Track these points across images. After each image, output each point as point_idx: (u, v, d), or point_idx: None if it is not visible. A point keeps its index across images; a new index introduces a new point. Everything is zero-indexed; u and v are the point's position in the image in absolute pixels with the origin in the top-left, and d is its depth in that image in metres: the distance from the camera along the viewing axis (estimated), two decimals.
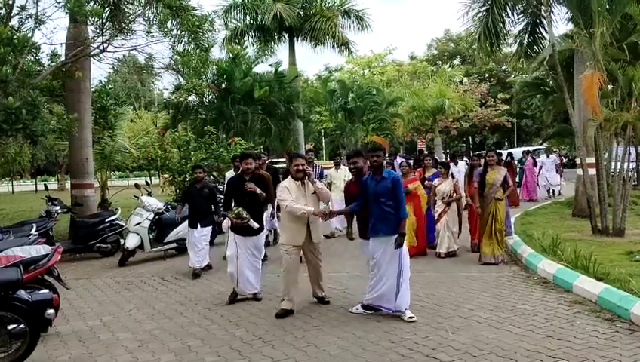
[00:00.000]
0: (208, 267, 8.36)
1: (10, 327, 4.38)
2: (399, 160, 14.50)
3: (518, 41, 13.61)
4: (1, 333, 4.32)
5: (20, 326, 4.41)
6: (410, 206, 8.32)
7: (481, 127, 41.13)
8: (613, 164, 10.97)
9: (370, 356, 4.55)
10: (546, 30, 12.80)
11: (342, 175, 10.84)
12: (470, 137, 47.68)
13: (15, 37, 8.99)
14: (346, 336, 5.05)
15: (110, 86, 16.69)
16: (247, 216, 6.29)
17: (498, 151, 12.71)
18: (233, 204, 6.49)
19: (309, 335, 5.12)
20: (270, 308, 6.08)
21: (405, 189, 7.56)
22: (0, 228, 7.69)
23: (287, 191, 5.89)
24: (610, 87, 10.61)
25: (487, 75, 44.71)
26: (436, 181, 9.27)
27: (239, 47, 20.41)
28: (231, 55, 18.78)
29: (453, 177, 9.46)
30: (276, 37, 21.55)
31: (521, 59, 14.85)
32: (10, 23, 9.91)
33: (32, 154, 21.20)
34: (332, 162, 14.40)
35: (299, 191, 5.89)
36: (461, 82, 39.48)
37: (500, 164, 9.07)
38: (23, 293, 4.48)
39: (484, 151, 9.14)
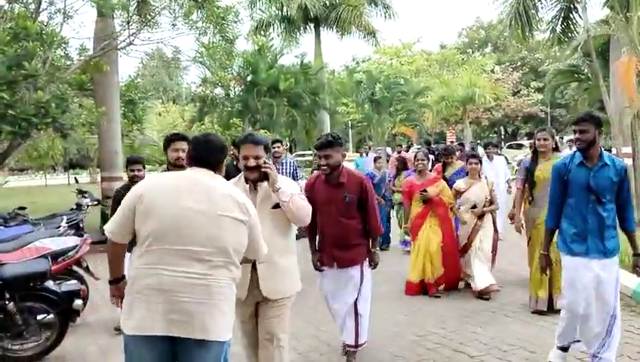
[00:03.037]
0: None
1: (39, 317, 4.48)
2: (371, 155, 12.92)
3: (551, 27, 13.20)
4: (31, 323, 4.40)
5: (50, 317, 4.50)
6: (433, 218, 6.07)
7: (513, 116, 40.24)
8: None
9: (395, 349, 4.47)
10: (580, 15, 12.39)
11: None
12: (502, 127, 46.75)
13: (44, 32, 9.14)
14: (370, 329, 4.96)
15: (138, 80, 16.87)
16: None
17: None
18: None
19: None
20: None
21: (423, 195, 6.03)
22: (31, 220, 7.83)
23: None
24: None
25: (519, 64, 43.62)
26: (461, 184, 6.23)
27: (264, 38, 20.38)
28: (256, 47, 18.77)
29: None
30: (301, 28, 21.44)
31: (555, 46, 14.41)
32: (39, 18, 10.08)
33: (64, 148, 21.69)
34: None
35: None
36: (492, 71, 38.64)
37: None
38: (51, 284, 4.55)
39: (539, 131, 5.46)
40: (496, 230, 6.33)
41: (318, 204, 3.86)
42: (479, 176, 6.24)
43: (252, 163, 3.12)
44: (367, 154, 14.69)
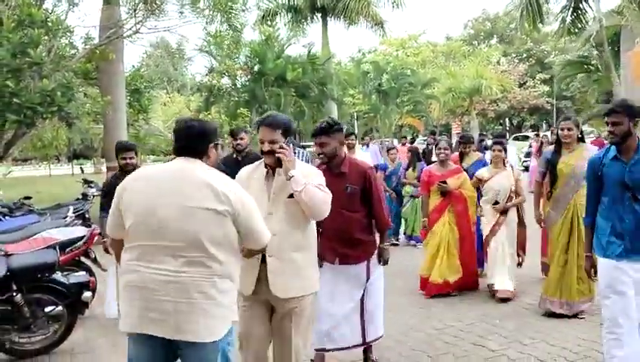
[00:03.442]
0: None
1: (47, 310, 4.36)
2: (372, 146, 12.60)
3: (561, 17, 13.01)
4: (39, 316, 4.28)
5: (58, 309, 4.38)
6: (450, 214, 5.63)
7: (519, 108, 39.97)
8: None
9: (414, 343, 4.35)
10: (590, 6, 12.19)
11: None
12: (507, 119, 46.49)
13: (49, 19, 9.00)
14: (386, 323, 4.83)
15: (144, 70, 16.71)
16: None
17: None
18: None
19: None
20: None
21: (441, 187, 5.60)
22: (37, 210, 7.74)
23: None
24: None
25: (525, 55, 43.31)
26: (484, 172, 5.71)
27: (271, 29, 20.16)
28: (263, 36, 18.57)
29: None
30: (308, 17, 21.20)
31: (564, 37, 14.22)
32: (43, 6, 9.92)
33: (68, 138, 21.59)
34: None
35: (260, 192, 2.96)
36: (498, 62, 38.36)
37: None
38: (59, 276, 4.43)
39: (562, 120, 4.94)
40: (523, 224, 5.74)
41: None
42: (504, 163, 5.68)
43: (266, 147, 2.90)
44: (368, 146, 13.88)
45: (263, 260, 2.87)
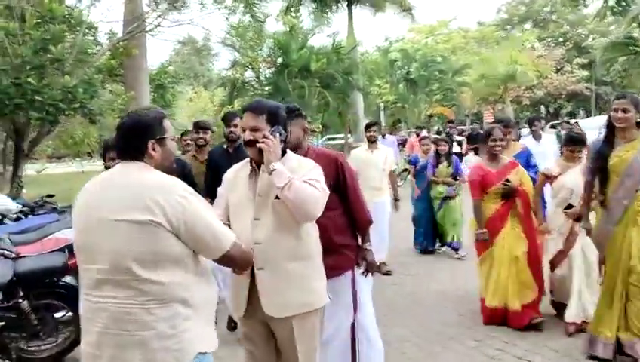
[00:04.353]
0: None
1: (57, 316, 4.16)
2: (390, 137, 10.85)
3: None
4: (48, 322, 4.08)
5: (68, 315, 4.17)
6: (514, 219, 4.52)
7: (556, 95, 38.62)
8: None
9: (451, 356, 3.98)
10: None
11: (378, 159, 6.17)
12: (543, 106, 45.06)
13: (70, 15, 8.89)
14: (422, 331, 4.48)
15: (171, 67, 16.63)
16: None
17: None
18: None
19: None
20: None
21: (506, 187, 4.46)
22: (58, 208, 7.59)
23: (225, 190, 2.70)
24: None
25: (561, 40, 41.83)
26: (554, 168, 4.52)
27: (295, 20, 19.83)
28: (287, 27, 18.27)
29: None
30: (333, 6, 20.78)
31: (607, 18, 13.43)
32: (66, 2, 9.83)
33: (100, 135, 21.81)
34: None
35: (245, 194, 2.57)
36: (533, 47, 37.12)
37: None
38: (69, 280, 4.22)
39: (617, 98, 3.71)
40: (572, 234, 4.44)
41: None
42: (579, 156, 4.41)
43: (247, 136, 2.44)
44: (383, 136, 12.31)
45: (252, 276, 2.43)
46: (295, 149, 2.84)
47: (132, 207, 1.91)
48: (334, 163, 2.99)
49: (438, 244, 7.27)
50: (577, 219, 4.20)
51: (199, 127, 5.13)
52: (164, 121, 2.11)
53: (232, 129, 4.45)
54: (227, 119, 4.60)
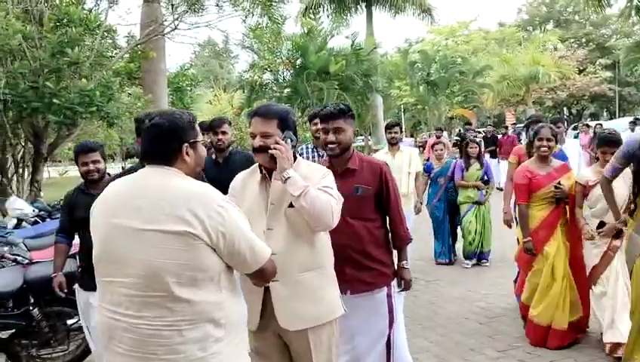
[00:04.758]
0: None
1: (69, 323, 4.09)
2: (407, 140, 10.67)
3: None
4: (59, 330, 4.02)
5: (80, 322, 4.08)
6: (562, 229, 4.11)
7: (579, 96, 37.93)
8: None
9: None
10: None
11: (402, 161, 5.81)
12: (566, 108, 44.32)
13: (87, 17, 8.91)
14: (442, 342, 4.30)
15: (191, 70, 16.69)
16: None
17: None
18: None
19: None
20: None
21: (558, 192, 4.04)
22: None
23: (234, 200, 2.35)
24: None
25: (584, 40, 41.09)
26: (588, 174, 4.06)
27: (314, 22, 19.77)
28: (305, 29, 18.20)
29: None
30: (352, 7, 20.66)
31: (632, 17, 13.07)
32: (83, 5, 9.88)
33: (121, 138, 21.99)
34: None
35: (256, 202, 2.46)
36: (555, 48, 36.52)
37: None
38: None
39: None
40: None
41: None
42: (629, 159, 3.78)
43: (258, 142, 2.34)
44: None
45: (266, 286, 2.31)
46: (345, 151, 2.78)
47: (166, 216, 1.76)
48: (379, 171, 2.87)
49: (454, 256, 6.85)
50: (618, 233, 3.79)
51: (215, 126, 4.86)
52: (196, 124, 2.00)
53: (220, 137, 4.05)
54: (214, 126, 4.15)
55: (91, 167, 3.46)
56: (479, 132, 17.54)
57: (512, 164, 5.12)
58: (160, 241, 1.75)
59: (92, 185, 3.47)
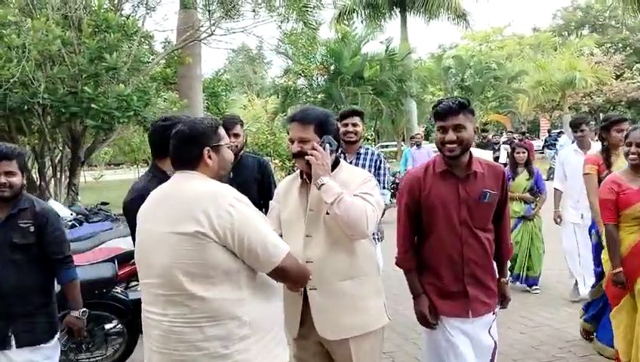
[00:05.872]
0: None
1: (107, 327, 4.07)
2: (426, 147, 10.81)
3: None
4: (97, 334, 4.01)
5: (117, 327, 4.09)
6: None
7: (616, 102, 36.90)
8: None
9: None
10: None
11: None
12: (602, 114, 43.21)
13: (125, 24, 9.02)
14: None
15: (225, 76, 16.83)
16: None
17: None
18: None
19: None
20: None
21: None
22: (112, 216, 7.60)
23: (277, 203, 2.53)
24: None
25: (620, 45, 40.05)
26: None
27: (348, 28, 19.74)
28: (339, 35, 18.17)
29: None
30: (386, 13, 20.56)
31: None
32: (121, 12, 10.03)
33: None
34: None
35: (296, 208, 2.41)
36: (591, 53, 35.68)
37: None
38: (119, 291, 4.13)
39: None
40: None
41: (428, 208, 2.50)
42: None
43: (296, 148, 2.30)
44: (418, 146, 11.44)
45: (305, 295, 2.30)
46: (464, 152, 2.45)
47: (182, 218, 1.83)
48: (501, 175, 2.58)
49: None
50: None
51: (227, 127, 4.17)
52: (219, 128, 2.05)
53: (233, 139, 3.41)
54: (225, 127, 3.74)
55: (2, 179, 2.61)
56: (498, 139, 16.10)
57: (591, 175, 4.24)
58: (177, 243, 1.82)
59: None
